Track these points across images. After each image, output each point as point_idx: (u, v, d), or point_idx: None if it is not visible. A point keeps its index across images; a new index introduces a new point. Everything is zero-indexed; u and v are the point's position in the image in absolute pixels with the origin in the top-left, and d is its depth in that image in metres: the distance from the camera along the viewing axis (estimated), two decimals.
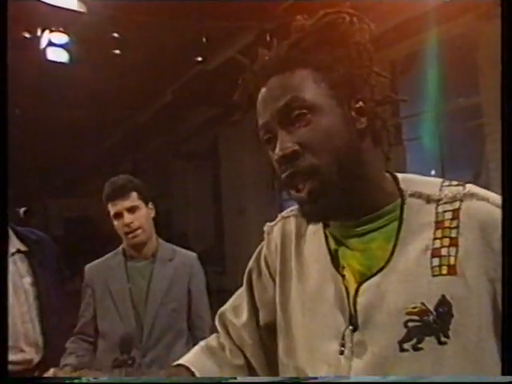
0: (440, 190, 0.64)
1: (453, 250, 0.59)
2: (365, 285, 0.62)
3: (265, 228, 0.79)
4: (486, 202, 0.61)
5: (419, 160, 4.70)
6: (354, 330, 0.62)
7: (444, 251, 0.60)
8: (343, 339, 0.62)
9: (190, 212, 7.26)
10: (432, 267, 0.59)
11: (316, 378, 0.63)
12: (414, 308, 0.59)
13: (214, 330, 1.74)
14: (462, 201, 0.61)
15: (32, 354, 1.63)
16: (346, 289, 0.64)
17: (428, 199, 0.63)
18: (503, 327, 0.56)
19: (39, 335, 1.66)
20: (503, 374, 0.53)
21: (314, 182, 0.61)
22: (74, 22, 3.67)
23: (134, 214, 1.52)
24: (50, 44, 3.89)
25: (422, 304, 0.58)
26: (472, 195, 0.62)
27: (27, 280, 1.67)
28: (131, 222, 1.51)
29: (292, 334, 0.70)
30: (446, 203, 0.62)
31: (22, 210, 3.01)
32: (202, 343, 0.83)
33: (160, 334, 1.54)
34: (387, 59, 4.78)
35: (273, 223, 0.78)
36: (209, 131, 6.29)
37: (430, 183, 0.66)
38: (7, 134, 0.71)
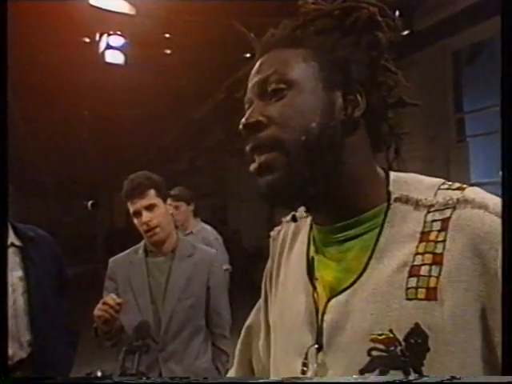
0: (435, 194, 0.54)
1: (435, 270, 0.50)
2: (333, 301, 0.56)
3: (271, 233, 0.74)
4: (483, 211, 0.50)
5: (484, 159, 4.31)
6: (319, 349, 0.56)
7: (424, 270, 0.50)
8: (306, 358, 0.57)
9: (243, 209, 7.33)
10: (407, 288, 0.51)
11: (312, 377, 0.57)
12: (379, 335, 0.51)
13: (233, 328, 1.73)
14: (454, 208, 0.52)
15: (14, 350, 1.59)
16: (316, 303, 0.58)
17: (417, 205, 0.54)
18: (503, 327, 0.47)
19: (24, 331, 1.62)
20: (503, 374, 0.47)
21: (273, 153, 0.55)
22: (129, 25, 3.84)
23: (152, 212, 1.54)
24: (108, 47, 4.11)
25: (390, 331, 0.50)
26: (467, 202, 0.51)
27: (17, 274, 1.66)
28: (149, 221, 1.54)
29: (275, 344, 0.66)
30: (436, 211, 0.53)
31: (90, 202, 3.25)
32: None
33: (177, 330, 1.56)
34: (450, 49, 4.45)
35: (279, 227, 0.73)
36: None
37: (426, 185, 0.56)
38: (7, 131, 0.74)
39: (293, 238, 0.68)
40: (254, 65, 0.61)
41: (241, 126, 0.57)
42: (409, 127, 0.64)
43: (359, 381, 0.53)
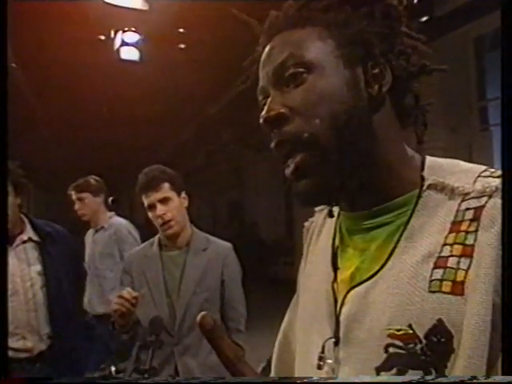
0: (474, 181, 0.49)
1: (465, 262, 0.45)
2: (352, 292, 0.53)
3: (305, 224, 0.71)
4: None
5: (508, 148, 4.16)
6: (337, 343, 0.53)
7: (452, 262, 0.46)
8: (323, 352, 0.54)
9: (260, 203, 7.32)
10: (431, 280, 0.46)
11: (311, 377, 0.55)
12: (397, 330, 0.47)
13: (248, 321, 1.70)
14: (490, 197, 0.47)
15: (34, 343, 1.62)
16: (335, 294, 0.55)
17: (452, 193, 0.50)
18: (503, 326, 0.44)
19: (44, 324, 1.65)
20: (503, 374, 0.44)
21: (303, 153, 0.51)
22: (142, 21, 3.85)
23: (167, 206, 1.54)
24: (123, 44, 4.14)
25: (409, 326, 0.46)
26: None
27: (35, 268, 1.68)
28: (164, 214, 1.54)
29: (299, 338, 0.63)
30: (472, 198, 0.48)
31: (110, 199, 3.30)
32: None
33: (192, 323, 1.55)
34: (472, 35, 4.31)
35: (313, 218, 0.70)
36: None
37: (465, 172, 0.51)
38: (7, 127, 0.74)
39: (321, 227, 0.66)
40: (262, 51, 0.57)
41: (261, 120, 0.52)
42: (429, 115, 0.60)
43: (365, 381, 0.49)
